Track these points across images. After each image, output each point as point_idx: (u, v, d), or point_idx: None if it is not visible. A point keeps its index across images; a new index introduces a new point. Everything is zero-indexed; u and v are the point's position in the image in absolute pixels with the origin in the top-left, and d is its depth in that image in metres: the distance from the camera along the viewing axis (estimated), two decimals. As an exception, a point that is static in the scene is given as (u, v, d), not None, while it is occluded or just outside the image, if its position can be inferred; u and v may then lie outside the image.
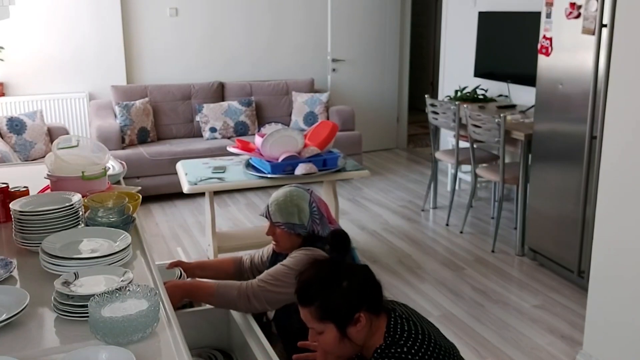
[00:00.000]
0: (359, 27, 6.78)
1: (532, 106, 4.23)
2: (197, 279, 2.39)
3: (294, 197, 2.25)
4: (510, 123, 4.25)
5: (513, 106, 4.98)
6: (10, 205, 1.90)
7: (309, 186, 2.38)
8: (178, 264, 2.46)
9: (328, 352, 1.70)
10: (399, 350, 1.62)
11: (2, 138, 4.79)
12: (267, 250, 2.48)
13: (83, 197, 1.99)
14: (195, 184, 3.72)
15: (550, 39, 3.68)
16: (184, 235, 4.62)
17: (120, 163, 2.58)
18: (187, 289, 2.17)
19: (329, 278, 1.67)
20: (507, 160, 4.38)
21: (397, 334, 1.65)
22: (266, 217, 2.28)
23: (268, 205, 2.27)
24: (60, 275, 1.58)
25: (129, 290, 1.49)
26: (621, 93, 2.59)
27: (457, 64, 6.06)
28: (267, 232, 2.29)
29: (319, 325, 1.65)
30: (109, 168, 2.37)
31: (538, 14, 3.82)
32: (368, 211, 5.15)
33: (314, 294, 1.65)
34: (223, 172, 3.90)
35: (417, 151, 7.23)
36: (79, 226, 1.90)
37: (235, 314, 2.31)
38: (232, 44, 6.40)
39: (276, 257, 2.39)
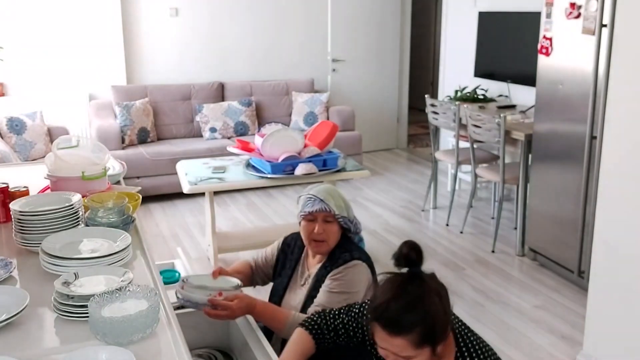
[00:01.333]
0: (359, 27, 6.78)
1: (532, 106, 4.23)
2: (265, 301, 2.21)
3: (339, 192, 2.22)
4: (510, 123, 4.25)
5: (513, 106, 4.98)
6: (10, 205, 1.90)
7: (309, 186, 2.36)
8: (221, 272, 2.25)
9: None
10: None
11: (2, 138, 4.79)
12: (268, 252, 2.44)
13: (83, 197, 1.99)
14: (195, 184, 3.72)
15: (550, 39, 3.68)
16: (184, 235, 4.62)
17: (120, 163, 2.58)
18: (261, 311, 2.04)
19: (424, 300, 1.47)
20: (507, 160, 4.38)
21: (470, 348, 1.59)
22: (323, 212, 2.14)
23: (322, 200, 2.14)
24: (60, 275, 1.58)
25: (129, 290, 1.49)
26: (621, 93, 2.59)
27: (457, 64, 6.06)
28: (317, 230, 2.14)
29: (413, 352, 1.47)
30: (109, 168, 2.36)
31: (538, 14, 3.82)
32: (368, 211, 5.15)
33: (414, 320, 1.45)
34: (223, 172, 3.90)
35: (417, 151, 7.23)
36: (79, 226, 1.90)
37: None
38: (232, 44, 6.40)
39: (284, 258, 2.35)
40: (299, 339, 1.82)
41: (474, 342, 1.62)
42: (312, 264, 2.26)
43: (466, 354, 1.59)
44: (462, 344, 1.60)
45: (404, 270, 1.54)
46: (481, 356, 1.60)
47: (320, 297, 2.09)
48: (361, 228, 2.27)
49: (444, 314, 1.50)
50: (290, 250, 2.36)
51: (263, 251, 2.46)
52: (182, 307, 2.49)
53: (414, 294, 1.48)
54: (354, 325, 1.81)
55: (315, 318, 1.86)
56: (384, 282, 1.55)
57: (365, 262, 2.14)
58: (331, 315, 1.85)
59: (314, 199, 2.17)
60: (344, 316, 1.84)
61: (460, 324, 1.66)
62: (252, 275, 2.42)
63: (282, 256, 2.37)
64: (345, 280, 2.08)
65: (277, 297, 2.30)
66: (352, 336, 1.82)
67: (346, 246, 2.19)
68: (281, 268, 2.36)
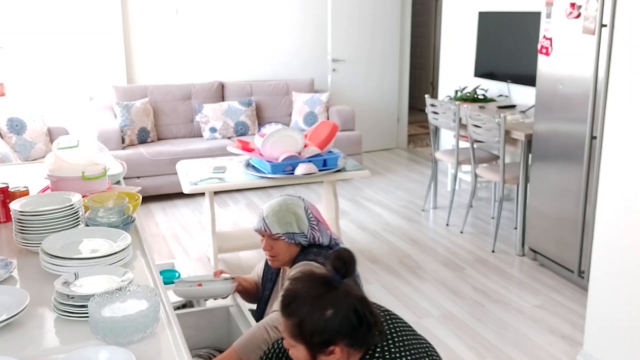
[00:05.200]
0: (359, 27, 6.78)
1: (532, 106, 4.23)
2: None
3: (290, 205, 2.15)
4: (510, 123, 4.25)
5: (513, 106, 4.98)
6: (10, 205, 1.90)
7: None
8: (222, 272, 2.33)
9: None
10: None
11: (2, 138, 4.79)
12: (259, 267, 2.42)
13: (83, 197, 1.99)
14: (196, 184, 3.72)
15: (550, 39, 3.68)
16: (184, 235, 4.62)
17: (120, 163, 2.58)
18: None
19: (315, 300, 1.54)
20: (507, 160, 4.38)
21: None
22: (262, 231, 2.15)
23: (263, 219, 2.14)
24: (60, 275, 1.58)
25: (129, 290, 1.49)
26: (621, 93, 2.59)
27: (457, 64, 6.06)
28: (264, 247, 2.17)
29: (291, 340, 1.57)
30: (109, 168, 2.37)
31: (538, 14, 3.83)
32: (368, 211, 5.15)
33: (295, 310, 1.54)
34: (223, 172, 3.90)
35: (417, 151, 7.23)
36: (79, 226, 1.90)
37: (235, 314, 2.31)
38: (232, 44, 6.40)
39: (267, 270, 2.34)
40: None
41: None
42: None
43: None
44: None
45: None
46: None
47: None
48: (326, 239, 2.17)
49: (321, 328, 1.51)
50: None
51: (254, 272, 2.45)
52: (182, 306, 2.50)
53: (309, 292, 1.55)
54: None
55: (266, 351, 1.82)
56: (311, 271, 1.65)
57: (322, 265, 2.03)
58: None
59: (260, 216, 2.16)
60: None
61: (388, 349, 1.60)
62: (257, 292, 2.41)
63: (266, 268, 2.35)
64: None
65: (260, 310, 2.30)
66: None
67: (309, 252, 2.14)
68: (266, 281, 2.35)
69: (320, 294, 1.55)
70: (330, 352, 1.54)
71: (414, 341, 1.65)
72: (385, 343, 1.59)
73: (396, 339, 1.61)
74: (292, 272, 2.09)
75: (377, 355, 1.56)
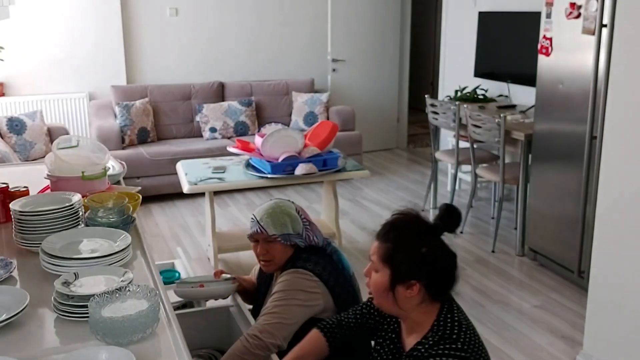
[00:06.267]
0: (359, 27, 6.78)
1: (532, 106, 4.23)
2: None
3: (282, 207, 2.14)
4: (510, 123, 4.25)
5: (513, 106, 4.98)
6: (10, 205, 1.90)
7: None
8: (223, 272, 2.34)
9: (373, 291, 1.69)
10: (453, 346, 1.57)
11: (2, 138, 4.79)
12: (256, 270, 2.42)
13: (83, 197, 1.98)
14: (195, 184, 3.72)
15: (550, 39, 3.68)
16: (184, 235, 4.62)
17: (120, 163, 2.58)
18: None
19: (415, 234, 1.64)
20: (507, 160, 4.38)
21: (448, 328, 1.62)
22: (258, 234, 2.12)
23: (258, 221, 2.12)
24: (60, 275, 1.58)
25: (129, 290, 1.49)
26: (621, 93, 2.59)
27: (457, 64, 6.06)
28: (258, 252, 2.15)
29: (379, 263, 1.65)
30: (109, 168, 2.36)
31: (538, 14, 3.82)
32: (368, 211, 5.15)
33: (393, 237, 1.64)
34: (223, 172, 3.90)
35: (417, 151, 7.23)
36: (79, 226, 1.89)
37: (235, 314, 2.31)
38: (232, 44, 6.40)
39: (261, 274, 2.33)
40: (309, 337, 1.90)
41: (459, 326, 1.62)
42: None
43: (441, 331, 1.61)
44: (442, 322, 1.63)
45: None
46: (461, 339, 1.59)
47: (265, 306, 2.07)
48: (320, 240, 2.17)
49: (411, 260, 1.61)
50: None
51: (253, 270, 2.45)
52: (182, 306, 2.50)
53: (413, 227, 1.66)
54: (365, 313, 1.89)
55: (330, 321, 1.93)
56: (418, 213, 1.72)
57: (311, 271, 2.05)
58: (344, 314, 1.94)
59: (253, 220, 2.15)
60: (356, 310, 1.93)
61: (458, 311, 1.68)
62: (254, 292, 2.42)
63: (260, 272, 2.35)
64: (280, 283, 2.06)
65: (255, 312, 2.29)
66: (364, 324, 1.88)
67: (298, 258, 2.12)
68: (260, 285, 2.35)
69: (422, 232, 1.65)
70: (409, 286, 1.61)
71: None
72: (455, 304, 1.68)
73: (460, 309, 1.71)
74: (280, 278, 2.09)
75: (455, 307, 1.66)
